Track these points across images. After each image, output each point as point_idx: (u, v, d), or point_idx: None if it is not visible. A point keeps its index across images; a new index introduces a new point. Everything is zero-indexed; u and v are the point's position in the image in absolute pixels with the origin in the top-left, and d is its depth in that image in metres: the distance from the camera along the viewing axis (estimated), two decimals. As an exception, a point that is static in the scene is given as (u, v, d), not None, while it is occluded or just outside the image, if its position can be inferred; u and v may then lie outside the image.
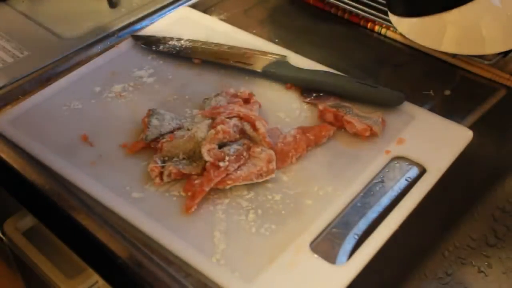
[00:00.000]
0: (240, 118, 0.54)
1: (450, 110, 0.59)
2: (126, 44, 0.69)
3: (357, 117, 0.55)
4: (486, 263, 0.55)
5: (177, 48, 0.66)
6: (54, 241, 0.59)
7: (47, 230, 0.57)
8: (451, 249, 0.56)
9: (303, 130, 0.54)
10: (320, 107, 0.57)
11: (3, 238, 0.72)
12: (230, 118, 0.54)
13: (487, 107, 0.60)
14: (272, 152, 0.51)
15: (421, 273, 0.55)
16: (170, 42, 0.67)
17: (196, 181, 0.49)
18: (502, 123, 0.63)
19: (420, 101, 0.59)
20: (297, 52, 0.66)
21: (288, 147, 0.52)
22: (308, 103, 0.59)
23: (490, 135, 0.62)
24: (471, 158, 0.55)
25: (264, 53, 0.65)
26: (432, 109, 0.58)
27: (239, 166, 0.51)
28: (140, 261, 0.46)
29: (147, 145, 0.54)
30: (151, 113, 0.56)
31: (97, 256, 0.51)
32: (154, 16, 0.75)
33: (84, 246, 0.52)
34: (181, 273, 0.45)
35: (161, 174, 0.51)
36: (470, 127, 0.56)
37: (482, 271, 0.55)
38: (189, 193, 0.49)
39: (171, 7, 0.76)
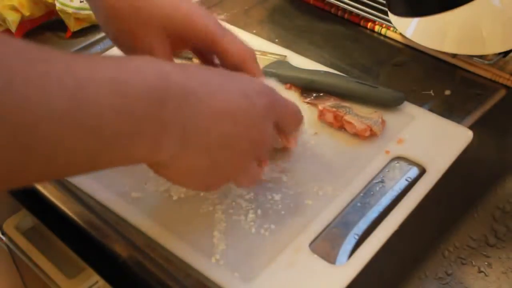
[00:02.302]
0: None
1: (450, 110, 0.59)
2: (126, 44, 0.69)
3: (357, 117, 0.55)
4: (486, 263, 0.55)
5: (177, 48, 0.66)
6: (54, 241, 0.59)
7: (47, 230, 0.57)
8: (451, 249, 0.56)
9: None
10: (320, 107, 0.57)
11: (3, 238, 0.72)
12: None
13: (487, 107, 0.60)
14: None
15: (421, 273, 0.55)
16: (170, 42, 0.67)
17: None
18: (502, 123, 0.63)
19: (420, 101, 0.59)
20: (297, 52, 0.66)
21: None
22: (308, 103, 0.59)
23: (490, 135, 0.62)
24: (471, 158, 0.55)
25: (264, 53, 0.65)
26: (432, 109, 0.58)
27: None
28: (140, 261, 0.46)
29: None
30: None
31: (97, 256, 0.51)
32: (154, 16, 0.75)
33: (84, 246, 0.52)
34: (181, 273, 0.45)
35: None
36: (470, 127, 0.55)
37: (482, 271, 0.55)
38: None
39: (171, 7, 0.76)
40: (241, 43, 0.48)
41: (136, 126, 0.33)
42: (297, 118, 0.47)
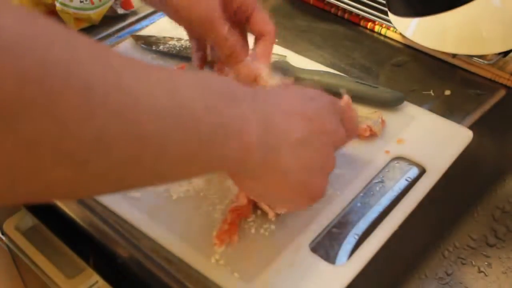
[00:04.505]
0: None
1: (450, 110, 0.59)
2: (126, 44, 0.69)
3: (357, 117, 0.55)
4: (486, 263, 0.55)
5: (177, 48, 0.66)
6: (54, 241, 0.59)
7: (47, 230, 0.57)
8: (451, 249, 0.56)
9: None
10: (320, 107, 0.57)
11: (3, 238, 0.72)
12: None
13: (487, 107, 0.60)
14: None
15: (421, 273, 0.55)
16: (170, 42, 0.67)
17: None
18: (502, 123, 0.63)
19: (420, 101, 0.59)
20: (297, 52, 0.66)
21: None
22: (308, 103, 0.59)
23: (490, 135, 0.62)
24: (471, 158, 0.55)
25: (264, 53, 0.65)
26: (432, 109, 0.58)
27: None
28: (140, 261, 0.46)
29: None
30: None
31: (97, 256, 0.51)
32: (154, 16, 0.75)
33: (84, 246, 0.52)
34: (181, 273, 0.45)
35: None
36: (470, 127, 0.56)
37: (482, 271, 0.55)
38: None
39: (171, 7, 0.76)
40: (270, 21, 0.53)
41: (224, 123, 0.35)
42: (354, 115, 0.49)
